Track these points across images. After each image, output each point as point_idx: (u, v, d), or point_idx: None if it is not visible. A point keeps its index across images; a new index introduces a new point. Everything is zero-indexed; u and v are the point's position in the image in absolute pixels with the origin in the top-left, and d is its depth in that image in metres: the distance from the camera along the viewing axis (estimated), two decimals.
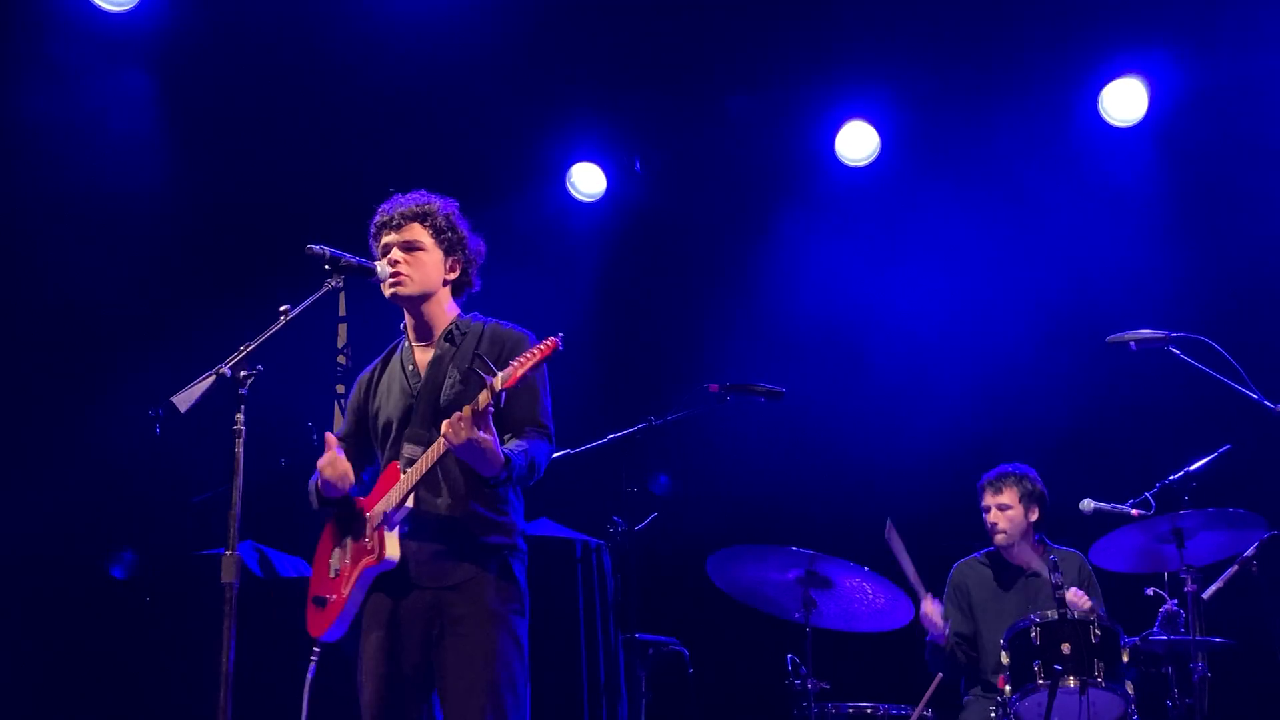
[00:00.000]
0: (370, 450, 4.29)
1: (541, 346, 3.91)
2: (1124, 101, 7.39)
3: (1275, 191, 7.11)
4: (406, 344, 4.28)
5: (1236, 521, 5.33)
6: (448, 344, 4.21)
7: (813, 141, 7.91)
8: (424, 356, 4.22)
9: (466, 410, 3.80)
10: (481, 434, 3.77)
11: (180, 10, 6.97)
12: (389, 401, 4.20)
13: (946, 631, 6.03)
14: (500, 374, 3.82)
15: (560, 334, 3.92)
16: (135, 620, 6.91)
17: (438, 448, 3.93)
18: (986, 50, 7.29)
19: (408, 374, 4.20)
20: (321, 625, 4.14)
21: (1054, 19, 7.08)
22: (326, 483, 4.07)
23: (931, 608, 6.00)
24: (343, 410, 4.48)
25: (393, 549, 3.99)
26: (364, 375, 4.36)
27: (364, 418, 4.28)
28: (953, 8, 7.04)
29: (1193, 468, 5.50)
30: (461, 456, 3.85)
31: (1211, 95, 7.30)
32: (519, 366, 3.86)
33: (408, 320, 4.28)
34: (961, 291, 7.65)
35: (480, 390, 3.88)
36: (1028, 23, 7.11)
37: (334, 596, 4.12)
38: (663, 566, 6.54)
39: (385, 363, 4.32)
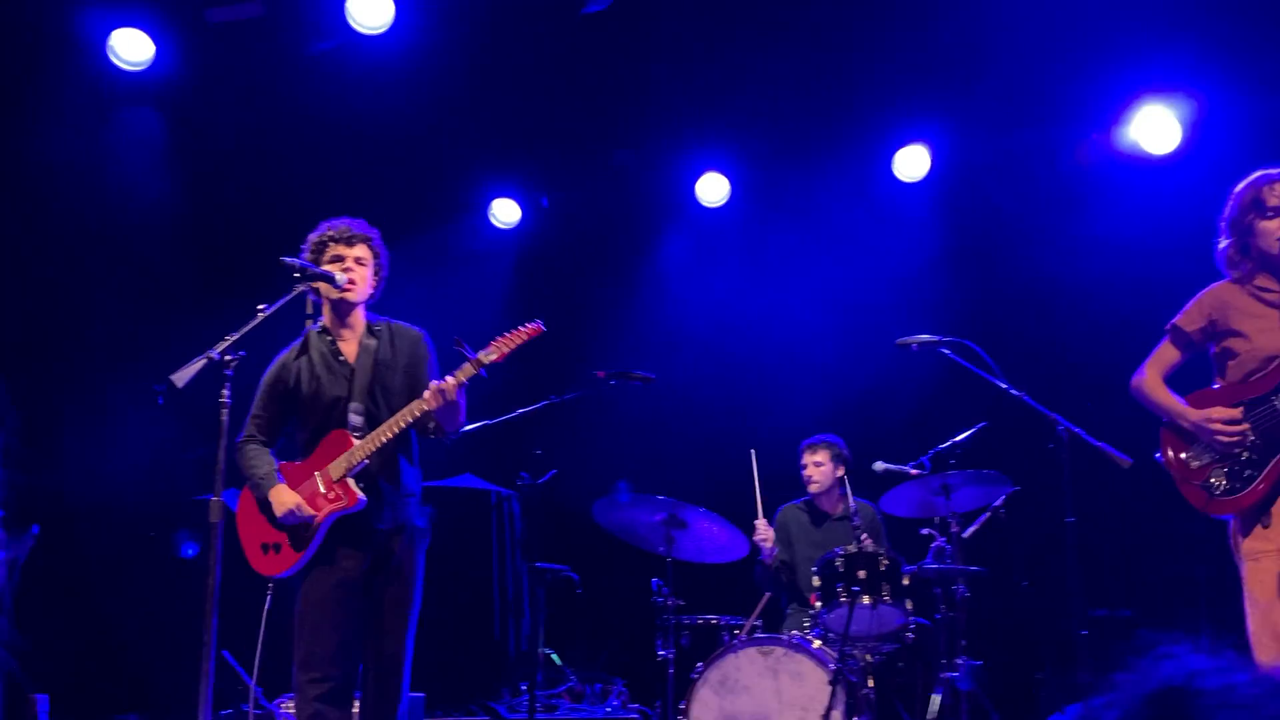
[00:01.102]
0: (285, 421, 4.23)
1: (528, 329, 3.99)
2: (911, 163, 7.48)
3: (1018, 233, 7.22)
4: (327, 338, 4.20)
5: (989, 480, 5.40)
6: (372, 338, 4.23)
7: (679, 187, 7.92)
8: (350, 348, 4.19)
9: (453, 380, 3.88)
10: (459, 399, 3.86)
11: (181, 71, 6.85)
12: (326, 384, 4.13)
13: (773, 553, 6.08)
14: (484, 352, 3.89)
15: (540, 320, 4.00)
16: (144, 550, 6.83)
17: (410, 410, 3.96)
18: (809, 119, 7.31)
19: (338, 362, 4.16)
20: (278, 566, 4.08)
21: (859, 97, 7.13)
22: (287, 517, 4.05)
23: (764, 528, 6.06)
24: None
25: (360, 494, 4.00)
26: (283, 362, 4.23)
27: (289, 398, 4.18)
28: (783, 87, 7.05)
29: (958, 439, 5.55)
30: (438, 414, 3.90)
31: (976, 160, 7.43)
32: (504, 345, 3.93)
33: (331, 319, 4.22)
34: (794, 302, 7.66)
35: (399, 374, 3.98)
36: (840, 99, 7.14)
37: (290, 546, 4.06)
38: (559, 511, 6.50)
39: (300, 354, 4.20)
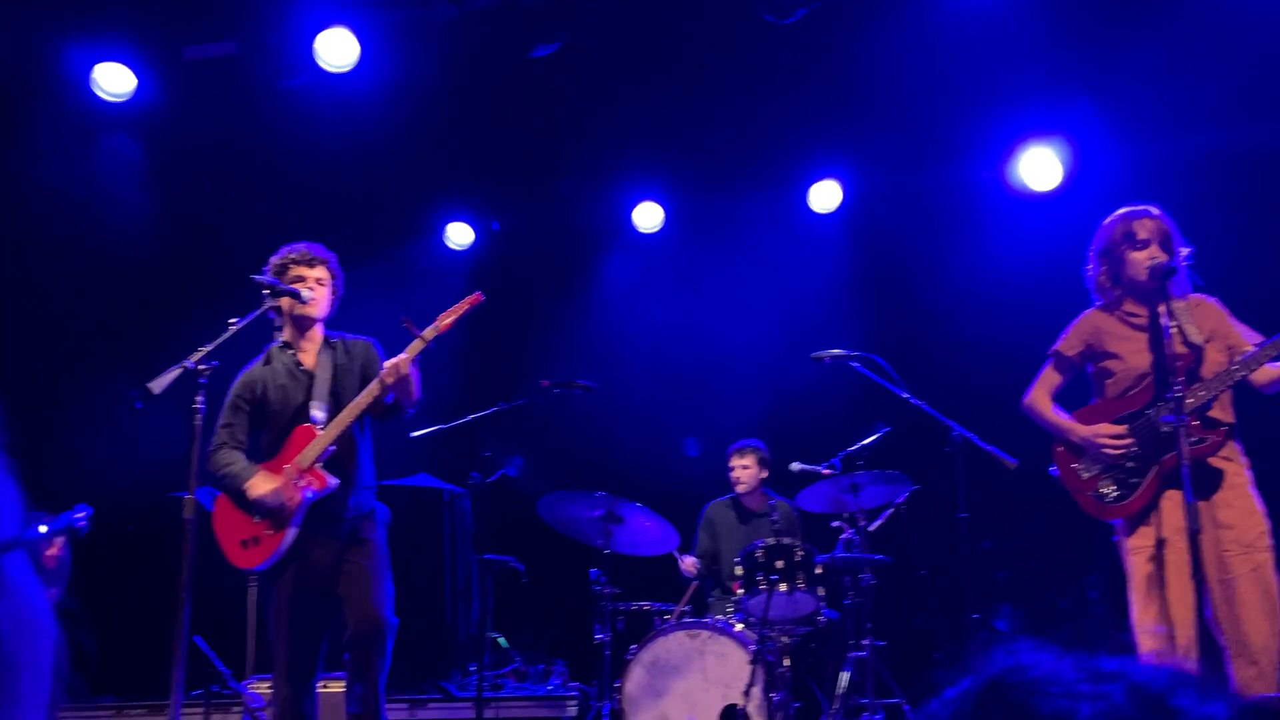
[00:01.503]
0: (254, 429, 4.22)
1: (468, 300, 4.01)
2: (825, 196, 7.54)
3: (919, 260, 7.32)
4: (288, 351, 4.21)
5: (892, 479, 5.45)
6: (329, 349, 4.24)
7: (618, 213, 7.94)
8: (309, 359, 4.21)
9: (405, 355, 3.89)
10: (412, 372, 3.86)
11: (160, 103, 6.77)
12: (289, 392, 4.15)
13: (695, 571, 6.15)
14: (430, 328, 3.91)
15: (480, 292, 4.02)
16: (123, 544, 6.72)
17: (369, 391, 3.96)
18: (735, 155, 7.38)
19: (300, 371, 4.19)
20: (257, 558, 4.04)
21: (778, 136, 7.20)
22: (267, 499, 4.02)
23: (690, 563, 6.15)
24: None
25: (331, 476, 3.99)
26: (250, 375, 4.23)
27: (257, 406, 4.18)
28: (711, 125, 7.10)
29: (865, 442, 5.60)
30: (393, 390, 3.90)
31: (882, 194, 7.53)
32: (446, 317, 3.95)
33: (291, 333, 4.23)
34: (721, 320, 7.68)
35: (355, 377, 4.00)
36: (762, 137, 7.20)
37: (269, 533, 4.01)
38: (507, 507, 6.48)
39: (265, 366, 4.22)
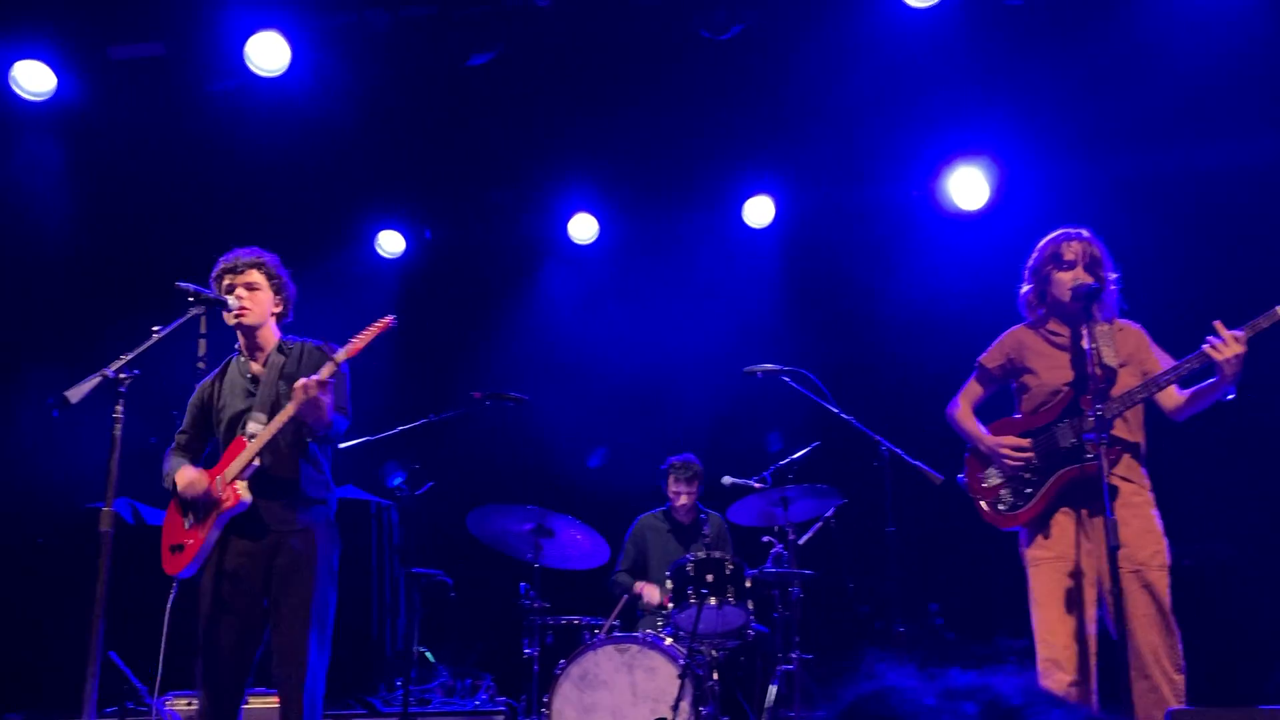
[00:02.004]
0: (208, 437, 4.19)
1: (378, 324, 3.94)
2: (759, 212, 7.58)
3: (850, 276, 7.43)
4: (241, 359, 4.18)
5: (822, 493, 5.46)
6: (279, 355, 4.17)
7: (553, 224, 7.91)
8: (258, 367, 4.15)
9: (316, 377, 3.80)
10: (322, 396, 3.78)
11: (82, 102, 6.60)
12: (232, 400, 4.11)
13: (658, 601, 5.94)
14: (342, 350, 3.83)
15: (393, 315, 3.96)
16: (33, 557, 6.52)
17: (285, 414, 3.88)
18: (671, 170, 7.41)
19: (246, 380, 4.13)
20: (180, 564, 4.00)
21: (713, 151, 7.26)
22: (189, 490, 3.98)
23: (651, 591, 6.03)
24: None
25: (245, 494, 3.91)
26: (204, 385, 4.24)
27: (207, 414, 4.17)
28: (647, 140, 7.13)
29: (795, 456, 5.62)
30: (303, 412, 3.82)
31: (814, 211, 7.61)
32: (358, 342, 3.88)
33: (242, 342, 4.19)
34: (656, 332, 7.69)
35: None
36: (697, 152, 7.26)
37: (191, 541, 3.97)
38: (436, 520, 6.40)
39: (222, 375, 4.21)
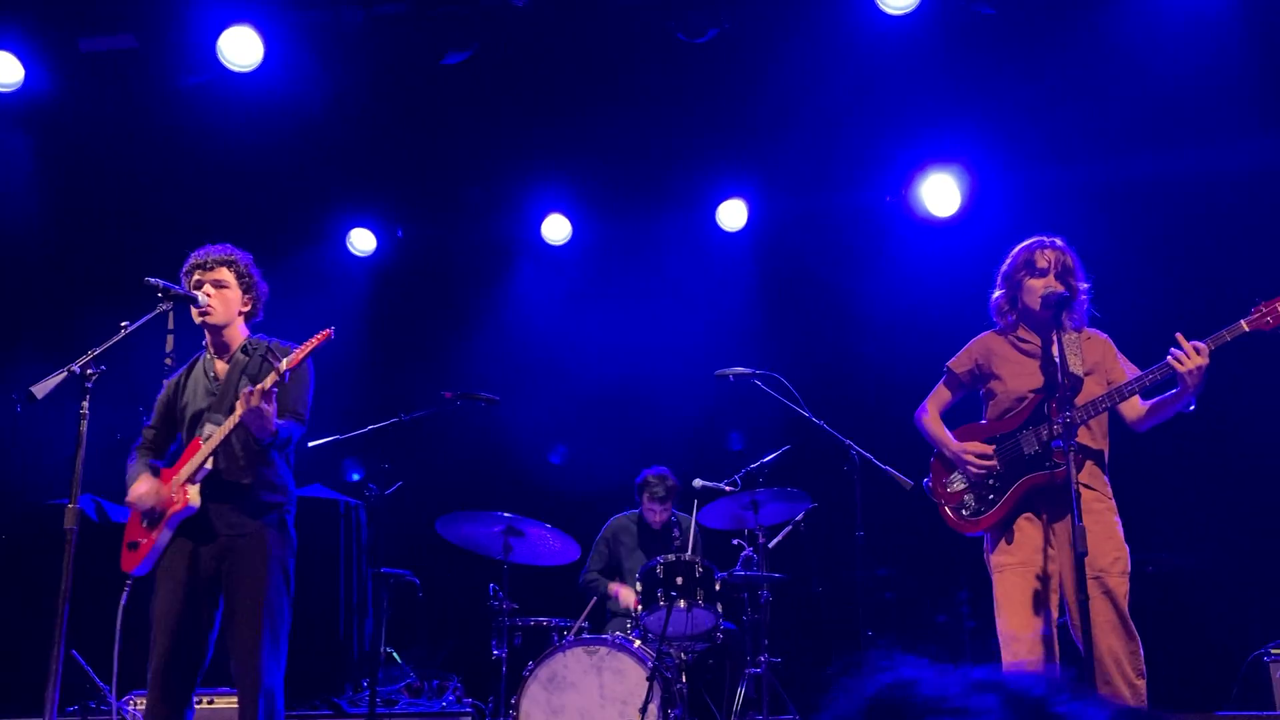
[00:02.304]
0: (174, 433, 4.18)
1: (317, 336, 3.92)
2: (732, 215, 7.59)
3: (823, 280, 7.47)
4: (207, 357, 4.16)
5: (792, 497, 5.47)
6: (242, 355, 4.14)
7: (527, 225, 7.89)
8: (223, 366, 4.13)
9: (258, 386, 3.78)
10: (265, 406, 3.75)
11: (52, 94, 6.52)
12: (195, 399, 4.10)
13: (632, 605, 5.85)
14: (284, 360, 3.81)
15: (332, 327, 3.94)
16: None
17: (232, 421, 3.87)
18: (645, 171, 7.42)
19: (209, 379, 4.11)
20: (133, 563, 4.01)
21: (687, 154, 7.27)
22: (137, 504, 4.00)
23: (626, 594, 6.01)
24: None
25: (194, 497, 3.90)
26: (171, 381, 4.21)
27: (172, 411, 4.16)
28: (622, 142, 7.13)
29: (765, 459, 5.62)
30: (247, 421, 3.80)
31: (788, 215, 7.63)
32: (298, 353, 3.86)
33: (209, 339, 4.17)
34: (629, 334, 7.69)
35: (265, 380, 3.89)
36: (671, 155, 7.27)
37: (145, 540, 3.98)
38: (405, 520, 6.34)
39: (189, 372, 4.19)
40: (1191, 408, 3.83)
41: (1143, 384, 3.83)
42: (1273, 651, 5.26)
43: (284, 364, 3.80)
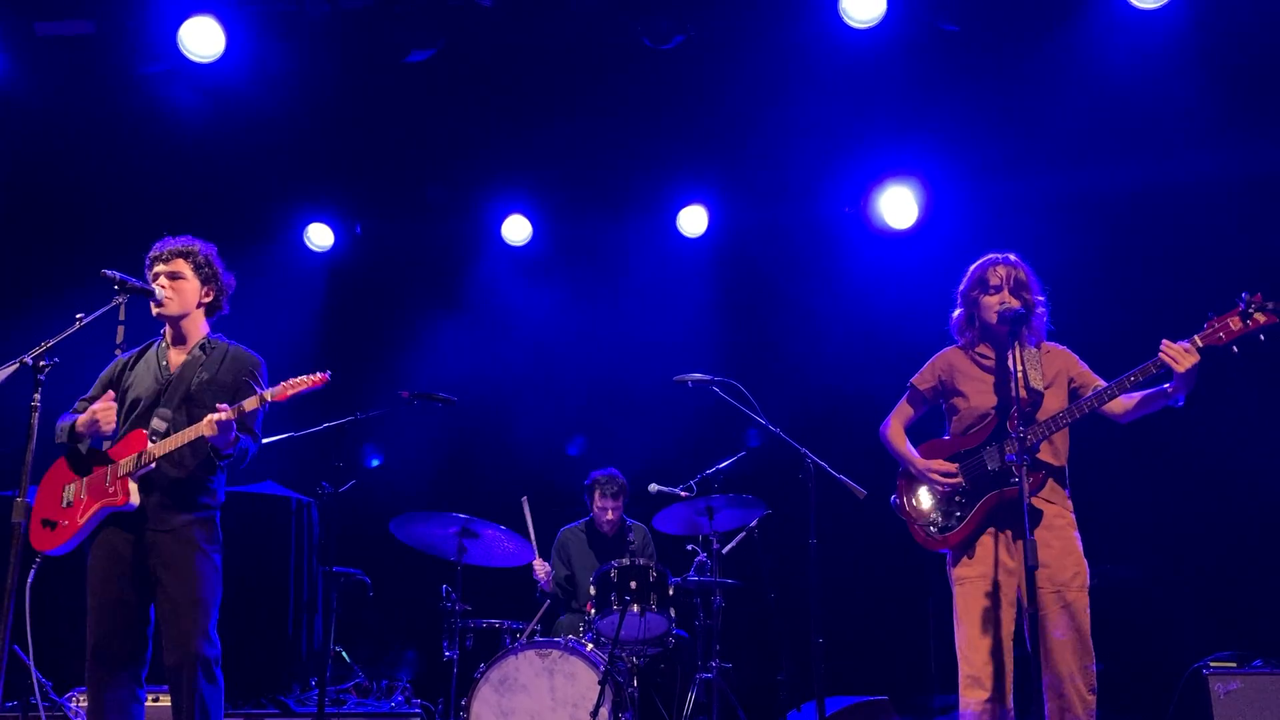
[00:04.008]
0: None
1: (313, 378, 3.90)
2: (692, 221, 7.63)
3: (782, 289, 7.53)
4: (163, 346, 4.12)
5: (746, 503, 5.53)
6: (200, 352, 4.10)
7: (486, 224, 7.85)
8: (177, 359, 4.09)
9: (234, 410, 3.77)
10: (232, 421, 3.75)
11: (4, 76, 6.40)
12: (140, 384, 4.04)
13: (549, 580, 6.11)
14: (272, 389, 3.80)
15: (329, 372, 3.91)
16: None
17: (196, 429, 3.83)
18: (605, 175, 7.42)
19: (161, 368, 4.06)
20: (50, 543, 3.96)
21: (648, 159, 7.29)
22: (92, 424, 3.90)
23: (541, 566, 6.10)
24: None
25: (134, 496, 3.88)
26: (120, 360, 4.14)
27: (115, 390, 4.08)
28: (583, 145, 7.13)
29: (721, 465, 5.70)
30: (214, 439, 3.78)
31: (748, 223, 7.67)
32: (289, 388, 3.84)
33: (167, 330, 4.13)
34: (588, 335, 7.69)
35: (216, 393, 3.87)
36: (631, 159, 7.29)
37: (66, 522, 3.94)
38: (359, 518, 6.29)
39: (140, 356, 4.14)
40: (1180, 403, 3.88)
41: (1123, 387, 3.86)
42: (1211, 664, 5.37)
43: (269, 393, 3.80)
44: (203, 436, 3.83)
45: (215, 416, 3.77)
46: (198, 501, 3.99)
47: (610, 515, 6.27)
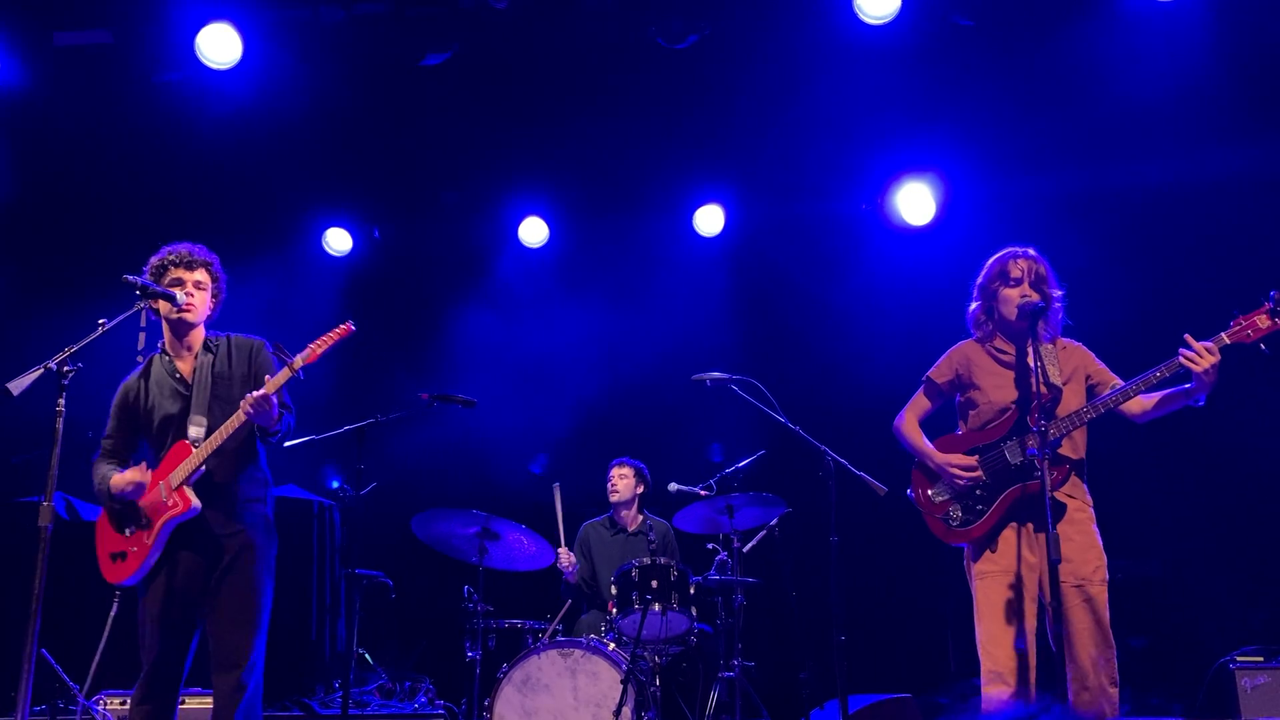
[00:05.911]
0: (136, 440, 4.11)
1: (339, 330, 3.91)
2: (709, 220, 7.62)
3: (801, 287, 7.51)
4: (165, 358, 4.10)
5: (767, 501, 5.50)
6: (207, 353, 4.11)
7: (503, 227, 7.87)
8: (186, 366, 4.08)
9: (266, 388, 3.78)
10: (273, 398, 3.76)
11: (25, 87, 6.44)
12: (164, 402, 4.03)
13: (574, 571, 6.15)
14: (301, 355, 3.80)
15: (351, 321, 3.92)
16: None
17: (235, 419, 3.84)
18: (622, 176, 7.43)
19: (176, 380, 4.06)
20: (124, 573, 3.94)
21: (665, 160, 7.29)
22: (128, 491, 3.92)
23: (566, 555, 6.14)
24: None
25: (194, 499, 3.88)
26: (127, 385, 4.12)
27: (133, 416, 4.08)
28: (600, 146, 7.14)
29: (741, 464, 5.69)
30: (255, 418, 3.79)
31: (765, 222, 7.66)
32: (320, 347, 3.85)
33: (169, 339, 4.11)
34: (606, 336, 7.70)
35: (237, 386, 3.87)
36: (648, 160, 7.29)
37: (135, 548, 3.92)
38: (380, 521, 6.31)
39: (146, 375, 4.11)
40: (1201, 403, 3.86)
41: (1148, 383, 3.85)
42: (1238, 659, 5.34)
43: (299, 359, 3.81)
44: (244, 425, 3.85)
45: (252, 395, 3.79)
46: (253, 495, 4.03)
47: (619, 485, 6.29)
